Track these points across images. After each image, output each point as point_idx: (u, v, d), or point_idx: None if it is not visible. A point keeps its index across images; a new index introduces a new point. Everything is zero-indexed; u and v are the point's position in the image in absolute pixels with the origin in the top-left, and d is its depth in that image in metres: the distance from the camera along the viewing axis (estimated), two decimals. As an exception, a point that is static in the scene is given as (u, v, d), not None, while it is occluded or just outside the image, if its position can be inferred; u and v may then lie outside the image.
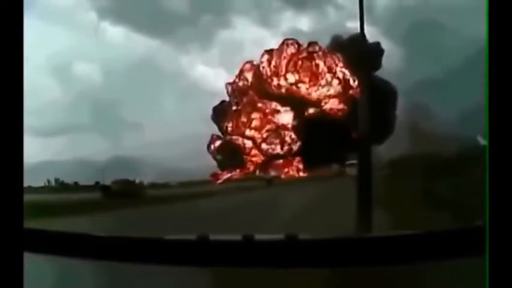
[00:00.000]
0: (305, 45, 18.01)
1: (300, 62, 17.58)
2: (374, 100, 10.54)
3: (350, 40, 16.48)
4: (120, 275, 1.47)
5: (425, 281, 1.31)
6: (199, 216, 9.01)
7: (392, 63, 16.82)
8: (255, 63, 18.23)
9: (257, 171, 17.90)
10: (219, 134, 18.14)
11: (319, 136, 16.43)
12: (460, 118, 15.13)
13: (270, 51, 18.06)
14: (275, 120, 17.65)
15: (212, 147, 17.82)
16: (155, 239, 1.54)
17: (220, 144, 17.71)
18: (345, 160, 16.66)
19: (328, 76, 17.41)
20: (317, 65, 17.58)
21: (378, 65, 16.55)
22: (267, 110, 17.65)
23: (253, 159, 17.64)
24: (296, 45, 17.88)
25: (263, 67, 17.89)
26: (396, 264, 1.31)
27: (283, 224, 7.30)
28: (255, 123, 17.54)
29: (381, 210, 7.57)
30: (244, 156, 17.56)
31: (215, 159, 17.80)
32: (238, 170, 17.65)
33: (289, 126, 17.60)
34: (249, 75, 18.11)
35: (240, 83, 18.17)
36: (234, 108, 17.82)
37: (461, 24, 15.96)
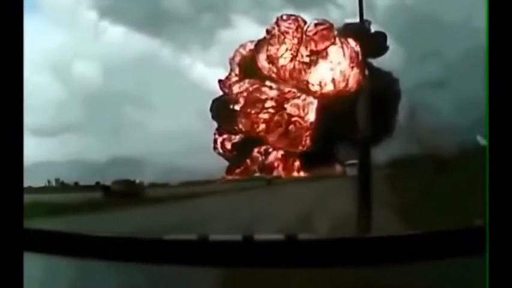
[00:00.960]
0: (312, 28, 16.90)
1: (303, 68, 17.05)
2: (375, 99, 10.50)
3: (354, 30, 16.02)
4: (121, 275, 1.47)
5: (425, 281, 1.31)
6: (199, 216, 9.01)
7: (391, 62, 16.79)
8: (250, 47, 17.55)
9: (256, 171, 17.87)
10: (220, 131, 18.08)
11: (320, 135, 16.39)
12: (459, 117, 15.12)
13: (266, 42, 17.31)
14: (278, 119, 17.57)
15: (220, 147, 17.72)
16: (155, 239, 1.54)
17: (232, 144, 17.68)
18: (345, 160, 16.60)
19: (333, 78, 17.08)
20: (324, 68, 17.07)
21: (380, 56, 16.31)
22: (270, 110, 17.53)
23: (260, 157, 17.58)
24: (299, 35, 17.08)
25: (266, 70, 17.45)
26: (396, 264, 1.31)
27: (283, 224, 7.30)
28: (259, 122, 17.43)
29: (381, 210, 7.56)
30: (253, 154, 17.51)
31: (227, 158, 17.75)
32: (246, 166, 17.62)
33: (292, 124, 17.53)
34: (245, 65, 17.65)
35: (236, 77, 17.84)
36: (234, 107, 17.65)
37: (461, 23, 15.95)
